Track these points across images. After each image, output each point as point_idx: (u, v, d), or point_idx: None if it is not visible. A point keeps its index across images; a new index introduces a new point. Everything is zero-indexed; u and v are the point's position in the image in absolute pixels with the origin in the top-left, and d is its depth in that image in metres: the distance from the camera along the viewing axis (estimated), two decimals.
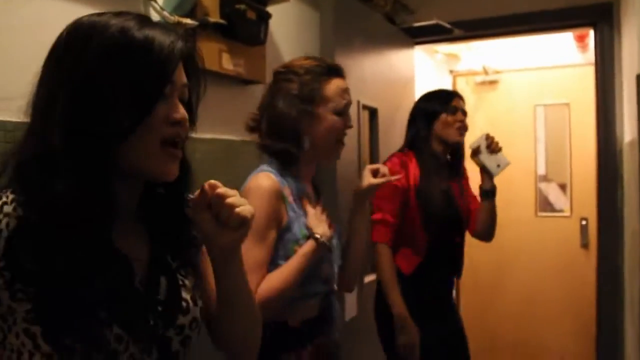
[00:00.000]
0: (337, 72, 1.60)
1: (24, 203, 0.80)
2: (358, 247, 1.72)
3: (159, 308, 0.89)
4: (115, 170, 0.85)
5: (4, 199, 0.81)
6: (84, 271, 0.79)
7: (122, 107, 0.81)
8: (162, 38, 0.85)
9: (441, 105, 2.33)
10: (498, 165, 2.35)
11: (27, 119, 0.85)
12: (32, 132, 0.83)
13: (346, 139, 2.27)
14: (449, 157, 2.41)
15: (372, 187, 1.67)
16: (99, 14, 0.87)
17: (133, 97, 0.82)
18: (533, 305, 4.23)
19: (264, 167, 1.56)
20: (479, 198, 2.43)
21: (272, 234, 1.47)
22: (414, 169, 2.28)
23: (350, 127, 1.62)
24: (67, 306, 0.78)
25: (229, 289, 0.98)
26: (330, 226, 1.62)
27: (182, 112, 0.88)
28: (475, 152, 2.35)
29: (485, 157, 2.34)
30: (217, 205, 0.87)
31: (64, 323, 0.78)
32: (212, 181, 0.87)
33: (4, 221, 0.79)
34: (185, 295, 0.94)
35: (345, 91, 1.59)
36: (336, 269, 1.65)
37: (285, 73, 1.58)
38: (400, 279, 2.23)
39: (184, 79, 0.90)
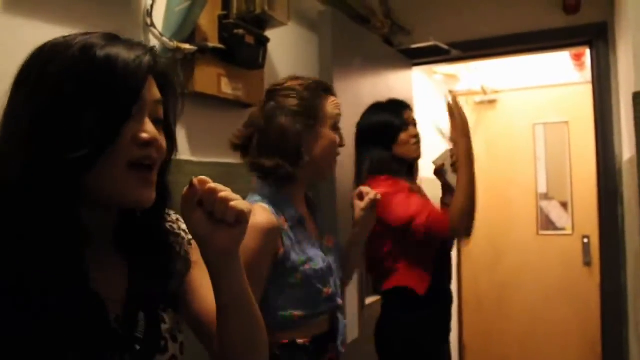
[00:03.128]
0: (331, 90, 1.63)
1: None
2: (353, 266, 1.84)
3: (137, 347, 0.84)
4: (84, 198, 0.79)
5: None
6: (54, 312, 0.74)
7: (86, 130, 0.75)
8: (126, 54, 0.79)
9: (396, 124, 2.25)
10: None
11: None
12: None
13: (345, 159, 2.29)
14: None
15: (367, 211, 1.72)
16: (66, 36, 0.82)
17: (98, 119, 0.75)
18: (537, 325, 4.20)
19: (256, 197, 1.53)
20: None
21: (264, 273, 1.45)
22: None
23: (344, 145, 1.63)
24: (35, 349, 0.73)
25: (228, 295, 0.88)
26: (329, 240, 1.66)
27: (150, 131, 0.81)
28: (439, 170, 2.33)
29: (449, 175, 2.31)
30: (210, 201, 0.80)
31: None
32: (202, 177, 0.80)
33: None
34: (165, 331, 0.90)
35: (340, 108, 1.62)
36: (339, 283, 1.65)
37: (282, 90, 1.57)
38: (415, 303, 2.15)
39: (156, 96, 0.84)
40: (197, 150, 1.85)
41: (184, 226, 1.02)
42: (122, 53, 0.79)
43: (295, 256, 1.49)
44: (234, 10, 1.90)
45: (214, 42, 1.83)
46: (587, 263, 4.07)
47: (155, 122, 0.83)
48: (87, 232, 0.81)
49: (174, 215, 1.02)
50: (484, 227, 4.32)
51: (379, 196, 1.73)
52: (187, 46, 1.70)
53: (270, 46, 2.05)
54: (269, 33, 2.03)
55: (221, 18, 1.87)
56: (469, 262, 4.43)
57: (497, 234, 4.32)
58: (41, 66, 0.79)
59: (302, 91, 1.55)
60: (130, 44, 0.82)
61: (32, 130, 0.76)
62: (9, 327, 0.73)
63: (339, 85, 2.39)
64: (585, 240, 4.08)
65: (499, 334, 4.35)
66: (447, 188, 2.35)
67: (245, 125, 1.59)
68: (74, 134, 0.75)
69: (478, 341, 4.43)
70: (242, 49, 1.88)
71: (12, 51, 1.29)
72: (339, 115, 1.60)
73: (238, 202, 0.81)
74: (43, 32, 1.37)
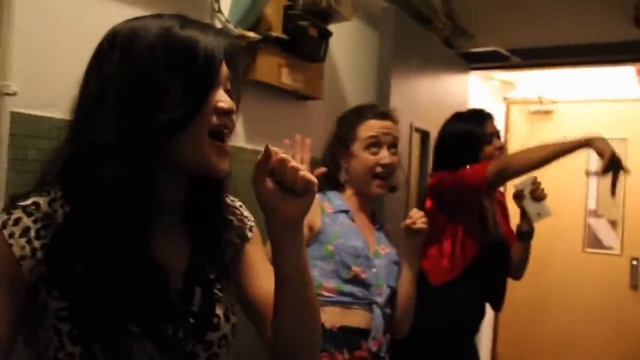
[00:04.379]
0: (375, 114, 1.78)
1: (70, 200, 0.80)
2: (402, 290, 1.76)
3: (191, 321, 0.87)
4: (163, 164, 0.84)
5: (52, 195, 0.81)
6: (119, 278, 0.78)
7: (176, 98, 0.80)
8: (205, 31, 0.85)
9: (480, 136, 2.21)
10: (539, 214, 2.27)
11: (71, 118, 0.85)
12: (83, 130, 0.82)
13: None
14: None
15: (407, 234, 1.71)
16: (135, 19, 0.87)
17: (187, 87, 0.81)
18: (573, 346, 4.09)
19: None
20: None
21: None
22: None
23: (384, 163, 1.73)
24: (98, 310, 0.78)
25: (289, 268, 0.88)
26: (384, 249, 1.74)
27: (229, 101, 0.86)
28: (519, 195, 2.28)
29: (527, 202, 2.26)
30: (281, 170, 0.83)
31: (93, 327, 0.78)
32: (275, 148, 0.84)
33: (53, 217, 0.79)
34: (219, 310, 0.91)
35: (380, 130, 1.74)
36: (386, 286, 1.69)
37: (338, 118, 1.85)
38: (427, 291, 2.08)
39: (227, 71, 0.89)
40: (252, 138, 1.87)
41: (247, 212, 1.05)
42: (201, 33, 0.84)
43: (330, 231, 1.65)
44: (300, 2, 1.91)
45: (277, 32, 1.84)
46: (634, 286, 3.94)
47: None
48: (162, 201, 0.86)
49: (238, 202, 1.05)
50: None
51: (420, 226, 1.69)
52: (251, 34, 1.71)
53: (332, 40, 2.04)
54: (331, 27, 2.03)
55: (286, 9, 1.88)
56: None
57: (541, 247, 4.17)
58: (126, 43, 0.83)
59: (344, 117, 1.83)
60: (205, 25, 0.87)
61: (125, 99, 0.81)
62: (74, 289, 0.78)
63: (396, 83, 2.37)
64: (634, 262, 3.95)
65: (534, 348, 4.26)
66: (523, 214, 2.31)
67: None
68: (165, 102, 0.80)
69: (511, 355, 4.35)
70: (304, 40, 1.89)
71: (84, 29, 1.33)
72: (372, 136, 1.73)
73: (307, 172, 0.84)
74: (113, 11, 1.40)
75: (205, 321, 0.89)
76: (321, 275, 1.62)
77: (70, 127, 0.85)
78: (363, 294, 1.63)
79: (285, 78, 1.88)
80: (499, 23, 3.20)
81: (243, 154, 1.78)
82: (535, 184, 2.26)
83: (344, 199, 1.75)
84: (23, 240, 0.78)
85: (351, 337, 1.61)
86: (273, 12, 1.83)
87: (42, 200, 0.81)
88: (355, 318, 1.62)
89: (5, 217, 0.79)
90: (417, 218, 1.69)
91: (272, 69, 1.83)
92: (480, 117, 2.29)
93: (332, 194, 1.75)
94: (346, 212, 1.72)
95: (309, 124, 2.12)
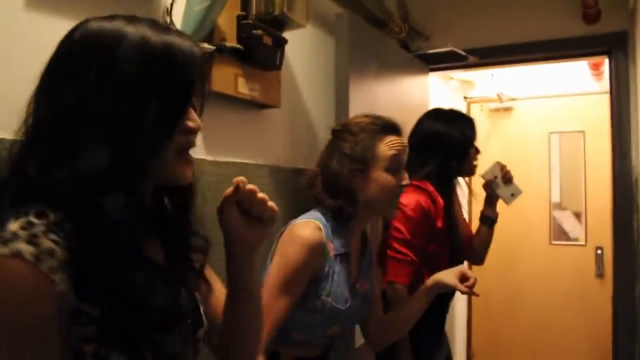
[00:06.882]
0: (392, 129, 1.62)
1: (73, 224, 0.74)
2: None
3: (188, 321, 0.91)
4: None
5: (44, 220, 0.72)
6: (141, 290, 0.78)
7: (153, 123, 0.79)
8: (182, 46, 0.83)
9: (473, 139, 2.22)
10: (512, 194, 2.40)
11: (26, 133, 0.80)
12: (63, 153, 0.76)
13: None
14: None
15: (451, 288, 1.70)
16: (109, 19, 0.86)
17: (164, 111, 0.80)
18: (546, 335, 4.17)
19: (317, 214, 1.58)
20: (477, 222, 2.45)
21: (300, 289, 1.48)
22: (439, 201, 2.11)
23: (404, 185, 1.61)
24: (128, 327, 0.76)
25: (244, 291, 0.98)
26: (363, 284, 1.66)
27: (198, 121, 0.87)
28: (489, 183, 2.37)
29: (500, 187, 2.38)
30: (249, 201, 0.90)
31: (125, 344, 0.76)
32: (242, 177, 0.90)
33: (57, 248, 0.71)
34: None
35: (400, 149, 1.60)
36: (354, 326, 1.71)
37: (341, 132, 1.63)
38: None
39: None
40: (212, 149, 1.86)
41: None
42: (178, 45, 0.82)
43: (324, 283, 1.52)
44: (253, 11, 1.91)
45: (232, 42, 1.83)
46: (600, 275, 4.03)
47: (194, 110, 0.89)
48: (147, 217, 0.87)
49: None
50: (496, 235, 4.28)
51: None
52: (205, 45, 1.70)
53: (288, 47, 2.05)
54: (286, 34, 2.03)
55: (240, 18, 1.87)
56: (479, 268, 4.40)
57: (508, 242, 4.29)
58: (103, 57, 0.79)
59: (358, 133, 1.58)
60: (181, 35, 0.85)
61: (104, 123, 0.77)
62: (112, 303, 0.75)
63: (354, 88, 2.39)
64: (599, 252, 4.04)
65: (508, 341, 4.32)
66: (491, 201, 2.40)
67: (316, 164, 1.69)
68: (142, 127, 0.78)
69: (486, 348, 4.40)
70: (259, 49, 1.88)
71: (34, 49, 1.31)
72: (394, 155, 1.58)
73: (273, 203, 0.93)
74: (64, 29, 1.38)
75: (198, 319, 0.94)
76: (296, 326, 1.50)
77: (39, 146, 0.78)
78: (327, 341, 1.60)
79: (242, 87, 1.87)
80: (454, 24, 3.26)
81: (204, 166, 1.77)
82: (503, 168, 2.36)
83: (348, 234, 1.60)
84: (59, 273, 0.70)
85: None
86: (226, 23, 1.83)
87: (40, 229, 0.71)
88: (313, 351, 1.59)
89: (32, 248, 0.68)
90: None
91: (228, 79, 1.83)
92: (471, 121, 2.28)
93: (337, 231, 1.56)
94: (345, 255, 1.57)
95: (268, 132, 2.13)
